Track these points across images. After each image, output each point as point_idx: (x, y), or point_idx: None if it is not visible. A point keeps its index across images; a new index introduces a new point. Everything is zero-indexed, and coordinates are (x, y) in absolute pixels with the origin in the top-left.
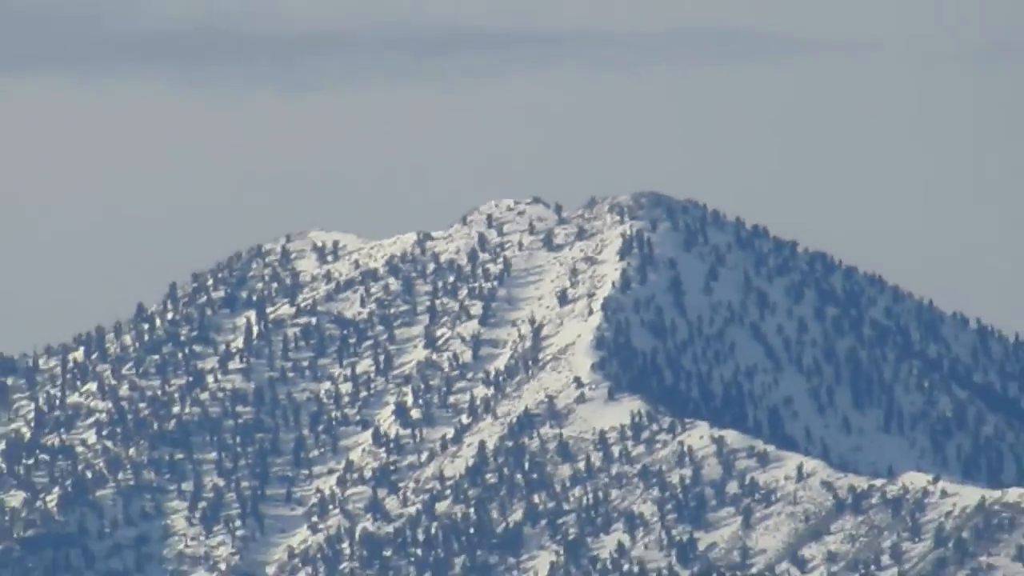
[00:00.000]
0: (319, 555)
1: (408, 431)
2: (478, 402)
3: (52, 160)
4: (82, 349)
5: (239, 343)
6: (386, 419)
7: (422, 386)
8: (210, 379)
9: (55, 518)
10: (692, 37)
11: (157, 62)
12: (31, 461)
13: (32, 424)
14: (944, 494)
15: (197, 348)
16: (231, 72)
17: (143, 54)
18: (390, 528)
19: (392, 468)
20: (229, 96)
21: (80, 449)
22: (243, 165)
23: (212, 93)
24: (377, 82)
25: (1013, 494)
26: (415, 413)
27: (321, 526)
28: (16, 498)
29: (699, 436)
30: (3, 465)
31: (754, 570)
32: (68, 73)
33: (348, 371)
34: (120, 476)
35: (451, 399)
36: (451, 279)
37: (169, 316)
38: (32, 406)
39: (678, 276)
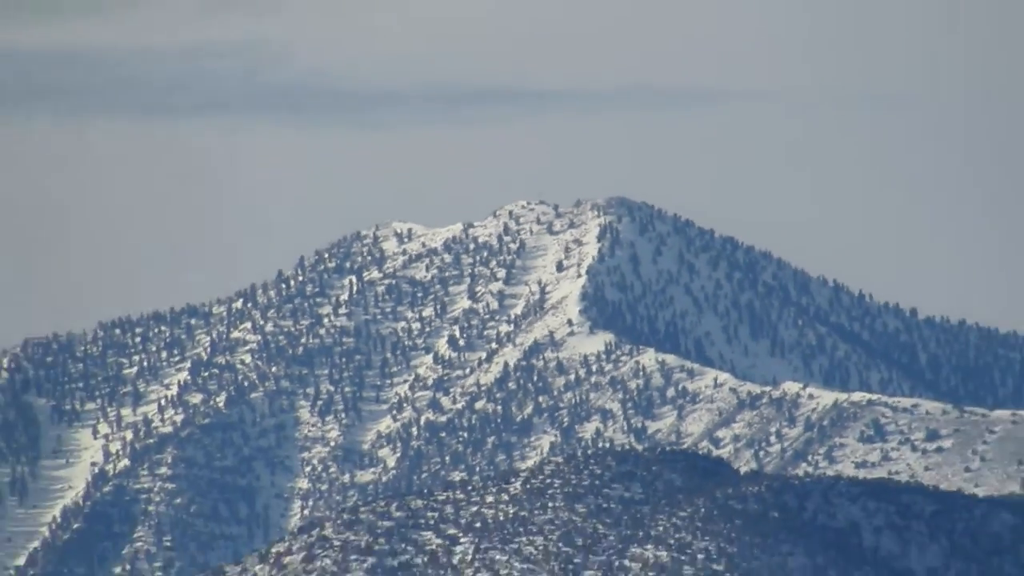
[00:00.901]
0: (397, 436)
1: (456, 354)
2: (503, 336)
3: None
4: (241, 300)
5: (345, 296)
6: (442, 346)
7: (466, 325)
8: (326, 321)
9: (223, 411)
10: (639, 92)
11: (281, 111)
12: (207, 374)
13: (208, 350)
14: (811, 396)
15: (318, 300)
16: (330, 117)
17: (283, 105)
18: (444, 418)
19: (445, 379)
20: (330, 135)
21: (239, 366)
22: (346, 178)
23: (318, 133)
24: (423, 126)
25: (856, 396)
26: (461, 342)
27: (398, 417)
28: (196, 398)
29: (649, 358)
30: (189, 377)
31: (684, 446)
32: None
33: (417, 315)
34: (266, 384)
35: (485, 333)
36: (485, 254)
37: (299, 278)
38: (208, 339)
39: (636, 253)
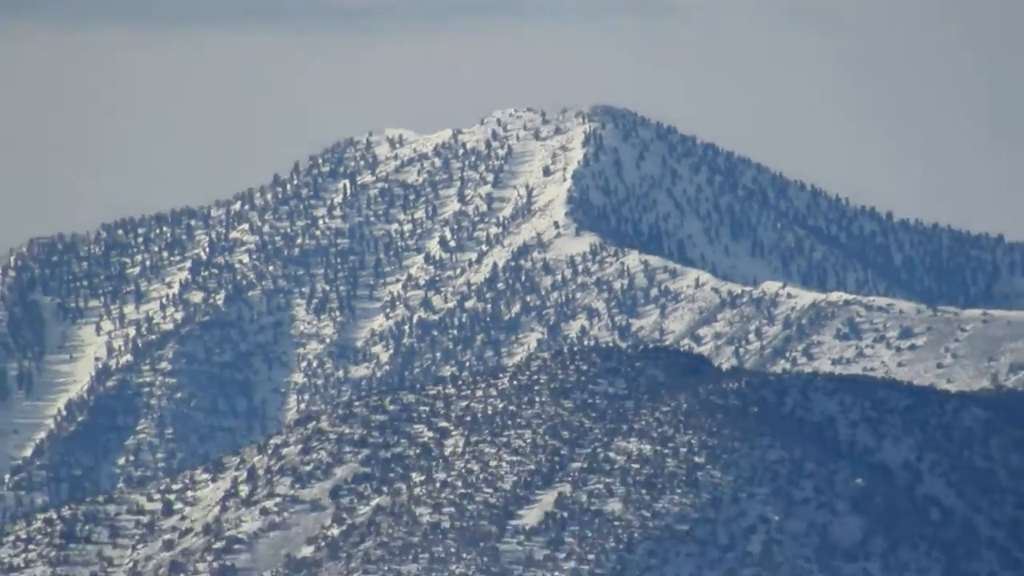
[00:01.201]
0: (390, 333)
1: (447, 255)
2: (492, 237)
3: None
4: (239, 203)
5: (339, 199)
6: (433, 247)
7: (456, 227)
8: (320, 223)
9: (222, 309)
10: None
11: (279, 20)
12: (207, 273)
13: (207, 250)
14: (789, 296)
15: (313, 202)
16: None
17: (279, 15)
18: (435, 317)
19: (437, 278)
20: (323, 45)
21: (238, 266)
22: (339, 86)
23: (311, 43)
24: (414, 36)
25: (833, 296)
26: (452, 244)
27: (391, 315)
28: (197, 296)
29: (633, 259)
30: (189, 276)
31: (667, 344)
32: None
33: (409, 217)
34: (263, 283)
35: (475, 235)
36: (474, 159)
37: (295, 182)
38: (207, 239)
39: (619, 158)
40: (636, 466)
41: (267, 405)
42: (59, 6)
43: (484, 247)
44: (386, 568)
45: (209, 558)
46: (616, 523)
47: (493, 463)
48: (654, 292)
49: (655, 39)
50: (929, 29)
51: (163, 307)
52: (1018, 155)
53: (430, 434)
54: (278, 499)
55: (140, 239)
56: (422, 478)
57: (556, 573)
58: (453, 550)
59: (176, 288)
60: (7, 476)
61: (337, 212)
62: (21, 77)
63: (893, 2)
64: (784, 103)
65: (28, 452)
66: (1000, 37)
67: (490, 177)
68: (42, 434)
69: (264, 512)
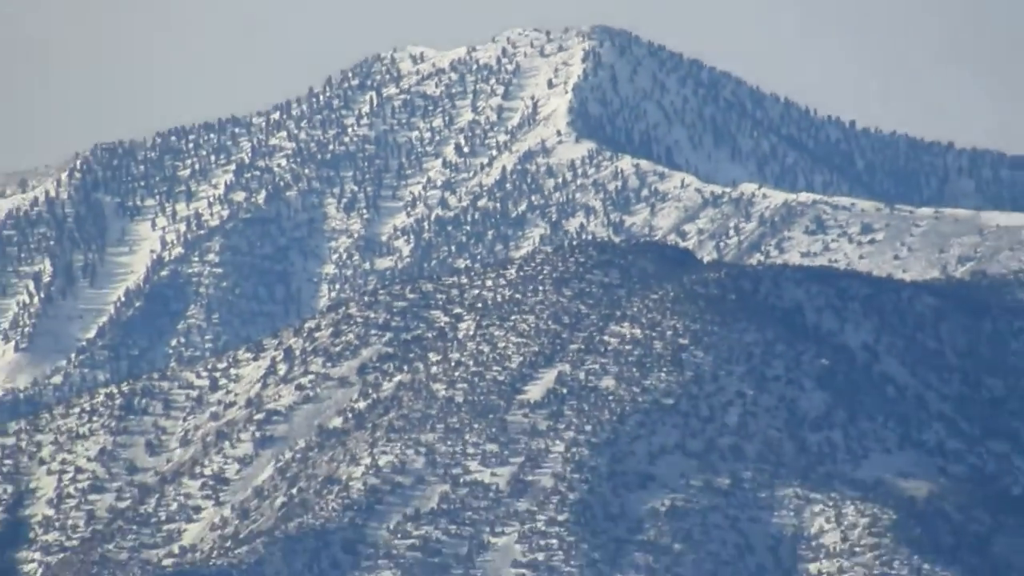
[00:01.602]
0: (411, 229)
1: (461, 159)
2: (501, 144)
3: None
4: (277, 112)
5: (366, 109)
6: (450, 152)
7: (470, 134)
8: (350, 130)
9: (262, 207)
10: None
11: None
12: (249, 175)
13: (249, 155)
14: (764, 196)
15: (343, 112)
16: None
17: None
18: (451, 214)
19: (452, 180)
20: None
21: (276, 169)
22: (367, 7)
23: None
24: None
25: (803, 196)
26: (465, 149)
27: (412, 213)
28: (240, 196)
29: (626, 163)
30: (233, 178)
31: (656, 238)
32: None
33: (428, 125)
34: (299, 184)
35: (487, 141)
36: (486, 73)
37: (327, 94)
38: (249, 145)
39: (615, 73)
40: (627, 347)
41: (302, 293)
42: None
43: (494, 152)
44: (406, 437)
45: (250, 428)
46: (610, 398)
47: (501, 344)
48: (644, 192)
49: None
50: None
51: (210, 205)
52: (966, 70)
53: (446, 319)
54: (311, 376)
55: (190, 145)
56: (438, 358)
57: (556, 441)
58: (466, 421)
59: (222, 189)
60: (73, 355)
61: (364, 121)
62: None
63: None
64: (762, 24)
65: (91, 334)
66: None
67: (500, 90)
68: (104, 318)
69: (299, 387)
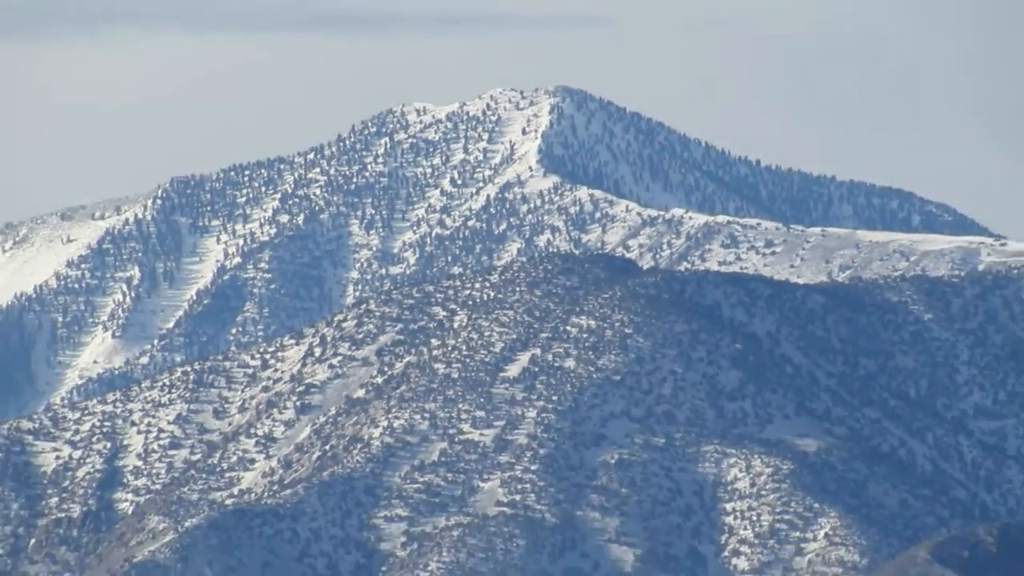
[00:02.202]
0: (417, 244)
1: (455, 189)
2: (487, 177)
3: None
4: (312, 153)
5: (381, 151)
6: (447, 184)
7: (462, 170)
8: (369, 166)
9: (301, 227)
10: (573, 20)
11: (327, 28)
12: (291, 202)
13: (292, 186)
14: (690, 218)
15: (364, 153)
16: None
17: (328, 23)
18: (448, 232)
19: (448, 206)
20: (362, 45)
21: (312, 196)
22: (378, 74)
23: (353, 44)
24: (428, 37)
25: (720, 218)
26: (459, 181)
27: (417, 231)
28: (284, 218)
29: (583, 193)
30: (279, 203)
31: (607, 251)
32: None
33: (429, 163)
34: (330, 209)
35: (475, 176)
36: (475, 123)
37: (351, 138)
38: (291, 178)
39: (574, 123)
40: (585, 336)
41: (332, 293)
42: None
43: (480, 184)
44: (414, 405)
45: (293, 398)
46: (571, 375)
47: (487, 333)
48: (597, 215)
49: (597, 42)
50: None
51: (261, 226)
52: (849, 115)
53: (444, 313)
54: (340, 357)
55: (246, 178)
56: (439, 343)
57: (530, 409)
58: (460, 393)
59: (270, 212)
60: (156, 341)
61: (380, 160)
62: (151, 69)
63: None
64: (688, 84)
65: (170, 324)
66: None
67: (485, 136)
68: (180, 312)
69: (331, 366)
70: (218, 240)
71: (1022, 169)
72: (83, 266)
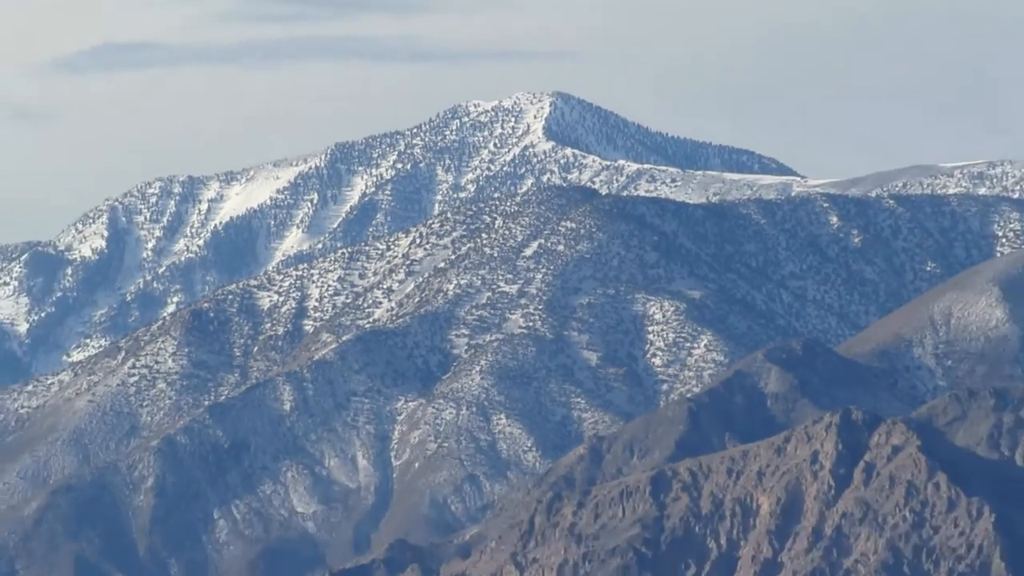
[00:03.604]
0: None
1: (497, 149)
2: (514, 141)
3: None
4: (416, 128)
5: (456, 127)
6: (492, 146)
7: (501, 139)
8: (447, 136)
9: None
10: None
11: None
12: None
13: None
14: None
15: (444, 128)
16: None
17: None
18: (470, 192)
19: (495, 158)
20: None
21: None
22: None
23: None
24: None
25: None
26: (499, 144)
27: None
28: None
29: (568, 152)
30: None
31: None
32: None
33: (482, 135)
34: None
35: (507, 142)
36: (507, 112)
37: (437, 120)
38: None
39: (564, 113)
40: (569, 232)
41: (426, 207)
42: None
43: (510, 147)
44: (472, 272)
45: (405, 267)
46: (561, 255)
47: (513, 230)
48: (576, 164)
49: (578, 64)
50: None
51: (387, 169)
52: (722, 100)
53: (489, 219)
54: (430, 244)
55: (377, 143)
56: (487, 236)
57: (537, 274)
58: (498, 264)
59: (392, 161)
60: (325, 236)
61: (453, 131)
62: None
63: None
64: (630, 83)
65: (334, 225)
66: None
67: (512, 119)
68: (340, 219)
69: (424, 249)
70: (361, 178)
71: (817, 138)
72: (285, 191)
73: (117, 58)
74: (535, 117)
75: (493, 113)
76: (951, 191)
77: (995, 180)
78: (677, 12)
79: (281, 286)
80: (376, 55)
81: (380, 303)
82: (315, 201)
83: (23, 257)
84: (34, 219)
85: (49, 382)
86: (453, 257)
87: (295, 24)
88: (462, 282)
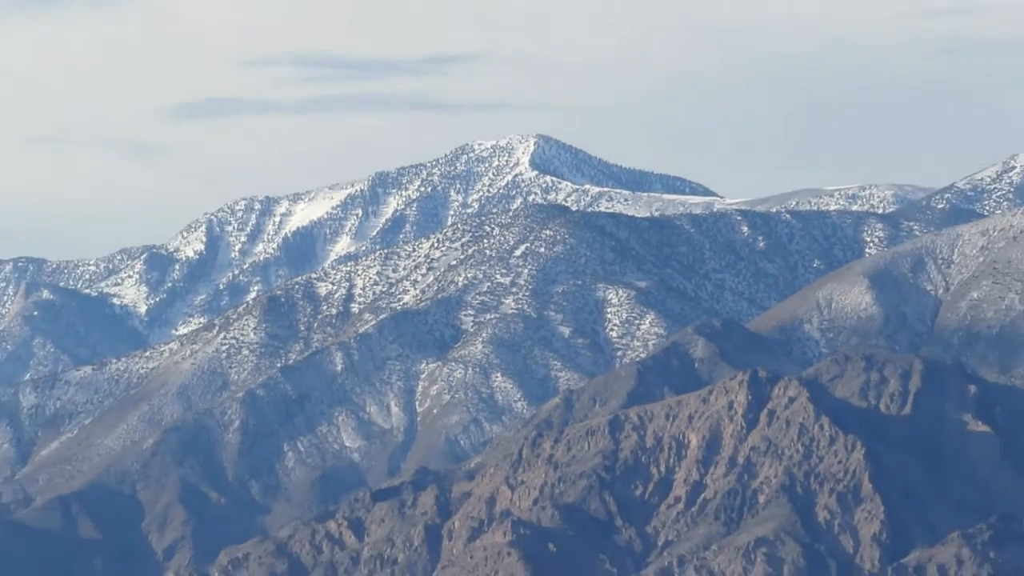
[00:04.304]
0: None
1: (494, 177)
2: (507, 170)
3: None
4: (430, 164)
5: (464, 160)
6: (490, 175)
7: (498, 169)
8: (457, 166)
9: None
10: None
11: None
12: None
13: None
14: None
15: (457, 161)
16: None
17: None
18: (475, 205)
19: (492, 183)
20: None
21: None
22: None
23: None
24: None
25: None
26: (495, 174)
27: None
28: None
29: (548, 179)
30: None
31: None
32: None
33: (485, 165)
34: None
35: (502, 171)
36: (502, 149)
37: (453, 153)
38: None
39: (544, 150)
40: (548, 239)
41: (442, 219)
42: None
43: (505, 175)
44: (476, 267)
45: (425, 264)
46: (541, 255)
47: (507, 237)
48: (553, 188)
49: (553, 112)
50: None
51: (412, 192)
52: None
53: (489, 228)
54: (445, 247)
55: (407, 172)
56: (488, 241)
57: (525, 269)
58: (495, 263)
59: (416, 187)
60: (368, 240)
61: (462, 162)
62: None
63: None
64: (589, 124)
65: (373, 234)
66: None
67: (507, 154)
68: (375, 230)
69: (441, 251)
70: (394, 199)
71: (733, 166)
72: (337, 208)
73: (217, 108)
74: (523, 153)
75: (491, 150)
76: (832, 208)
77: (864, 199)
78: (626, 75)
79: (334, 278)
80: (404, 106)
81: (408, 291)
82: (359, 215)
83: (143, 256)
84: (152, 228)
85: (161, 350)
86: (462, 257)
87: (346, 84)
88: (468, 275)
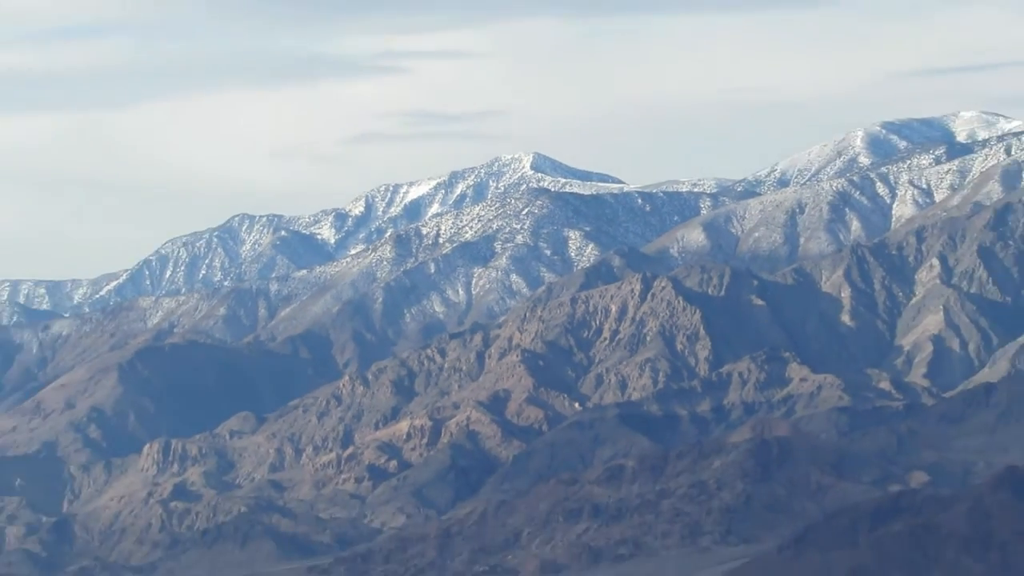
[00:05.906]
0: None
1: (504, 178)
2: (513, 171)
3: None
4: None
5: (486, 170)
6: (507, 177)
7: (510, 174)
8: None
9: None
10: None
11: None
12: None
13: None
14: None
15: (491, 173)
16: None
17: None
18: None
19: (507, 183)
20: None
21: None
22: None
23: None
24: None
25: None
26: (506, 177)
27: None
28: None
29: (547, 179)
30: None
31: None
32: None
33: (507, 171)
34: None
35: (509, 173)
36: (509, 161)
37: (488, 168)
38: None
39: (538, 161)
40: (542, 220)
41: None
42: None
43: (512, 175)
44: (492, 261)
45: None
46: (539, 235)
47: (513, 222)
48: (545, 184)
49: (550, 135)
50: None
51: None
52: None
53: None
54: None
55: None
56: (506, 227)
57: (530, 259)
58: (513, 249)
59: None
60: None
61: (484, 173)
62: None
63: None
64: (571, 144)
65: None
66: None
67: (517, 163)
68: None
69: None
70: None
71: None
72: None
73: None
74: (523, 164)
75: (496, 164)
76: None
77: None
78: (595, 100)
79: (430, 225)
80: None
81: (467, 232)
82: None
83: (333, 214)
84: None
85: (343, 261)
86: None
87: (397, 125)
88: (495, 226)
